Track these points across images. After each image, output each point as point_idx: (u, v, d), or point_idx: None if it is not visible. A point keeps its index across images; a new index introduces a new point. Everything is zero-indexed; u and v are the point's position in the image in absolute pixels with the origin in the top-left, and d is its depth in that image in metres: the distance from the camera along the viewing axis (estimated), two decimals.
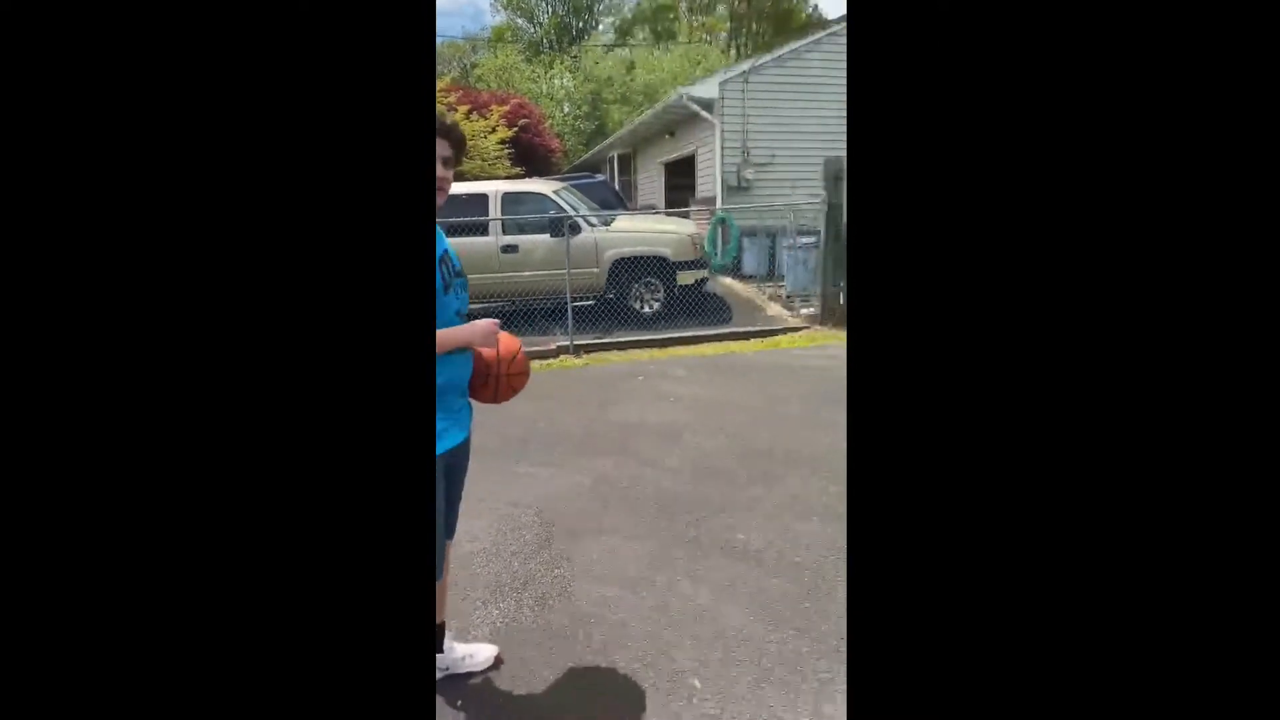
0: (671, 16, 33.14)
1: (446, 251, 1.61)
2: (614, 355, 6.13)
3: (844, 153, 7.12)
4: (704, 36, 31.11)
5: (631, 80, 28.01)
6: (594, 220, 7.23)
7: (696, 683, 1.85)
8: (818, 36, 10.65)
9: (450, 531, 1.78)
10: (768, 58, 10.48)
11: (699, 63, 26.61)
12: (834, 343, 6.04)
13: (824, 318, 6.88)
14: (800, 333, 6.64)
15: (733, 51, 32.01)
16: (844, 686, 1.64)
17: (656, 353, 6.07)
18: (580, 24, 35.20)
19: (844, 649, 1.90)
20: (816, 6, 33.87)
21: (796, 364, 5.47)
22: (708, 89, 10.42)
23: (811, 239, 7.50)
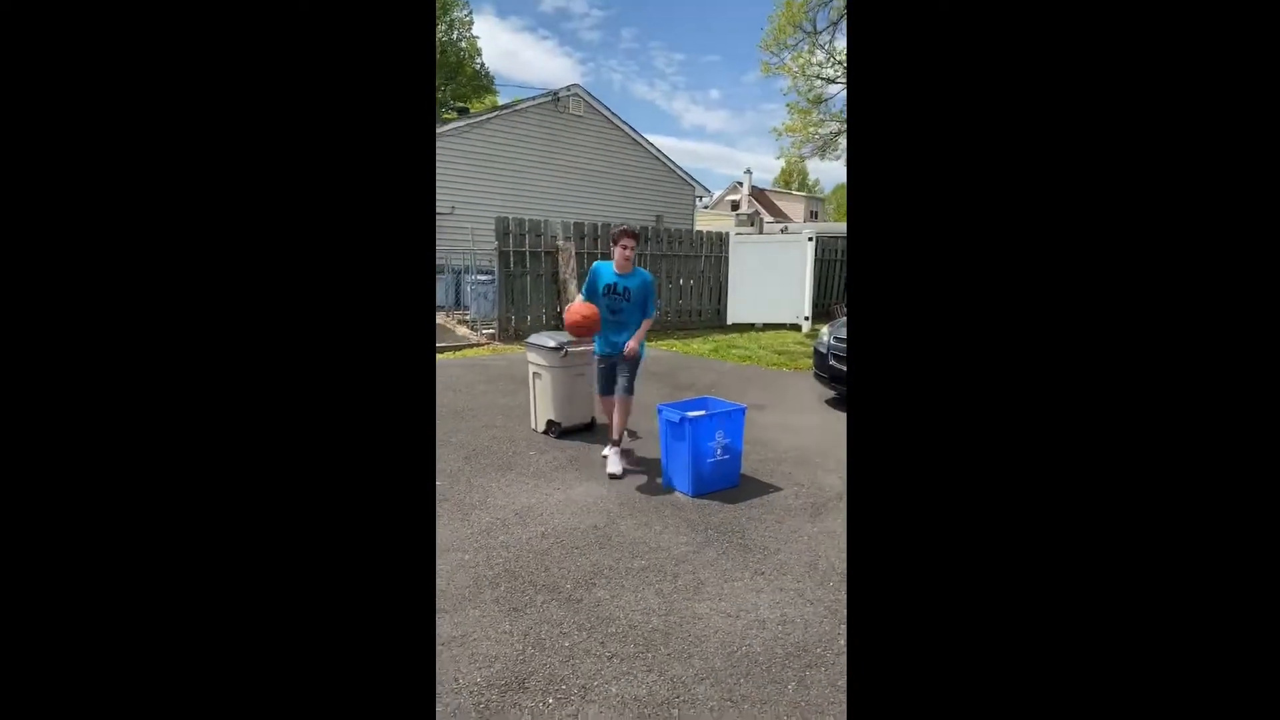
0: None
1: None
2: None
3: (510, 214, 10.14)
4: None
5: None
6: None
7: None
8: (491, 115, 13.21)
9: (625, 391, 3.97)
10: (448, 127, 12.61)
11: None
12: (509, 352, 8.33)
13: (500, 336, 9.20)
14: (484, 347, 8.80)
15: None
16: None
17: None
18: None
19: None
20: (483, 65, 37.10)
21: (481, 364, 7.61)
22: None
23: (488, 277, 9.73)
